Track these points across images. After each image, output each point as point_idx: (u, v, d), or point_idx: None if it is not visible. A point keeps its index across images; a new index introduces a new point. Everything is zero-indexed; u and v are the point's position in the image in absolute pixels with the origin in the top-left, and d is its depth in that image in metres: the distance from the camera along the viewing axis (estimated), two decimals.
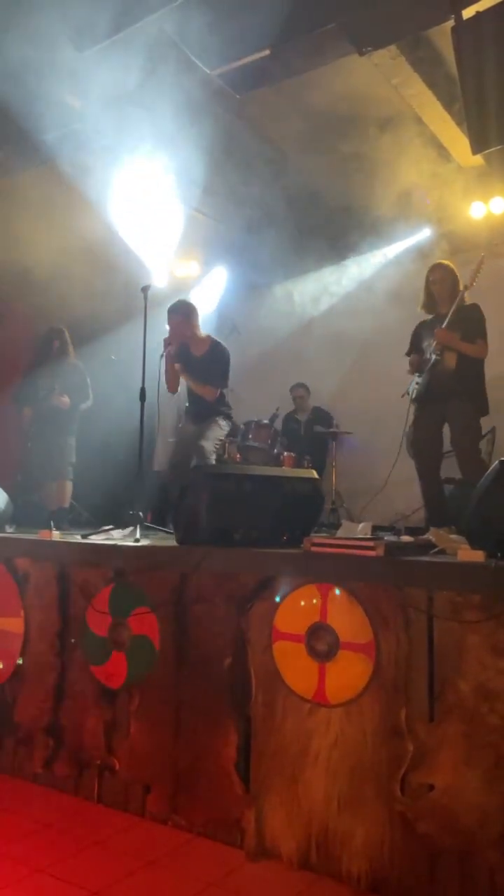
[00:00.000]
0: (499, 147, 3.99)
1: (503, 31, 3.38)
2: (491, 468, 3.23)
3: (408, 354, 4.66)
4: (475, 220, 6.35)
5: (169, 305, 5.11)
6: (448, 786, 2.61)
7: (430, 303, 4.57)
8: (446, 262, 4.66)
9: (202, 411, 5.09)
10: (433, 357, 4.31)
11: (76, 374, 5.68)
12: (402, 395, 4.75)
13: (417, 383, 4.46)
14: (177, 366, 4.97)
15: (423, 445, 4.45)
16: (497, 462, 3.16)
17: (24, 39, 4.02)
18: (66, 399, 5.51)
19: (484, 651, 2.59)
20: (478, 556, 2.76)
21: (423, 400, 4.39)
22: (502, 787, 2.51)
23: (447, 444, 4.53)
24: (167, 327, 5.05)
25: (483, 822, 2.53)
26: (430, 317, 4.61)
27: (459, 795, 2.58)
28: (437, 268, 4.55)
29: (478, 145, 3.84)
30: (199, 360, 5.04)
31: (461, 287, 4.39)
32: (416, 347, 4.61)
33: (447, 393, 4.26)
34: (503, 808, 2.49)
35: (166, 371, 4.97)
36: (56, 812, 3.32)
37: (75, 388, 5.61)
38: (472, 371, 4.30)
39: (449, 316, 4.32)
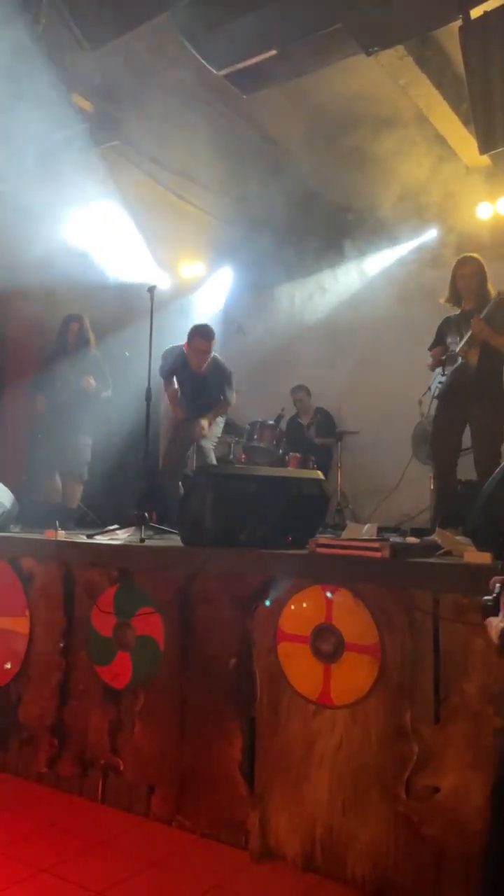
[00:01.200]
0: None
1: None
2: (498, 469, 3.22)
3: (430, 349, 4.55)
4: (482, 221, 6.33)
5: (199, 328, 5.11)
6: (453, 788, 2.60)
7: (455, 296, 4.43)
8: (475, 255, 4.50)
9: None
10: (459, 358, 4.22)
11: (96, 364, 5.48)
12: (424, 394, 4.67)
13: (440, 383, 4.37)
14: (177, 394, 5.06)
15: (441, 443, 4.39)
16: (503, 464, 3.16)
17: (32, 39, 4.03)
18: (92, 381, 5.30)
19: (489, 653, 2.58)
20: (485, 557, 2.75)
21: (446, 398, 4.31)
22: None
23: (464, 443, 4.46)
24: (192, 348, 5.06)
25: (487, 825, 2.51)
26: (456, 311, 4.47)
27: (464, 798, 2.57)
28: (467, 261, 4.40)
29: (486, 146, 3.82)
30: (202, 379, 5.11)
31: (490, 287, 4.28)
32: (440, 341, 4.50)
33: (469, 393, 4.19)
34: None
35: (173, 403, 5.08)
36: (60, 812, 3.32)
37: (97, 375, 5.39)
38: (495, 372, 4.22)
39: (488, 307, 4.17)
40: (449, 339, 4.38)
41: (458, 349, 4.24)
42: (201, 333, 5.07)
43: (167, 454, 5.29)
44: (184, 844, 3.00)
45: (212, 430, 5.13)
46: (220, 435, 5.30)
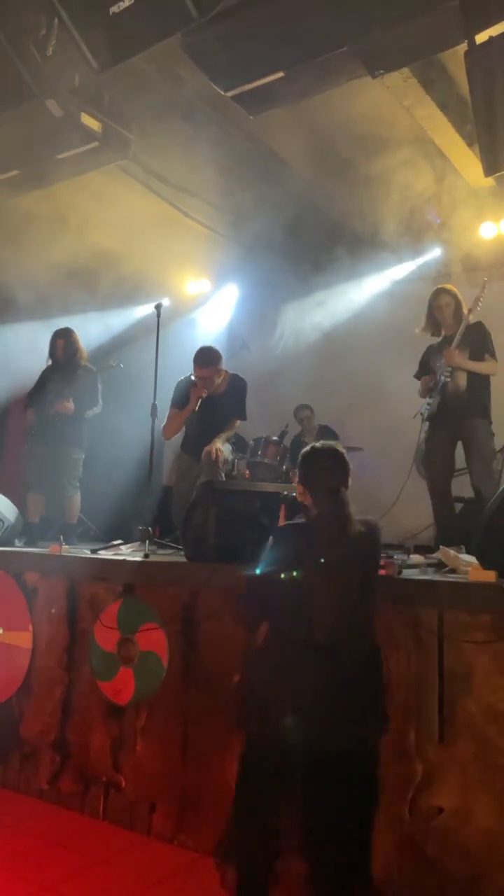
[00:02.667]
0: None
1: None
2: (502, 488, 3.23)
3: (416, 377, 4.71)
4: (486, 241, 6.38)
5: (195, 356, 4.87)
6: (457, 809, 2.58)
7: (432, 326, 4.67)
8: (449, 286, 4.74)
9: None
10: (442, 378, 4.35)
11: (86, 378, 5.42)
12: (415, 416, 4.76)
13: (429, 404, 4.50)
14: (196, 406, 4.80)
15: (435, 463, 4.47)
16: None
17: (44, 62, 4.09)
18: (69, 405, 5.23)
19: (494, 672, 2.58)
20: (489, 576, 2.75)
21: (436, 419, 4.42)
22: None
23: (458, 462, 4.53)
24: (196, 376, 4.84)
25: (492, 846, 2.50)
26: (437, 340, 4.66)
27: (468, 818, 2.55)
28: (441, 292, 4.64)
29: (490, 168, 3.86)
30: (220, 397, 4.90)
31: (465, 310, 4.44)
32: (424, 370, 4.66)
33: (460, 412, 4.30)
34: None
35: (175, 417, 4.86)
36: (61, 829, 3.30)
37: (83, 392, 5.34)
38: (483, 390, 4.34)
39: (457, 337, 4.37)
40: (437, 365, 4.50)
41: (442, 376, 4.35)
42: (196, 361, 4.84)
43: (177, 488, 5.06)
44: (185, 863, 2.98)
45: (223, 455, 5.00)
46: (229, 458, 5.15)
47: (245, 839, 2.31)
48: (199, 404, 4.75)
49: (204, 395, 4.75)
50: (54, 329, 5.68)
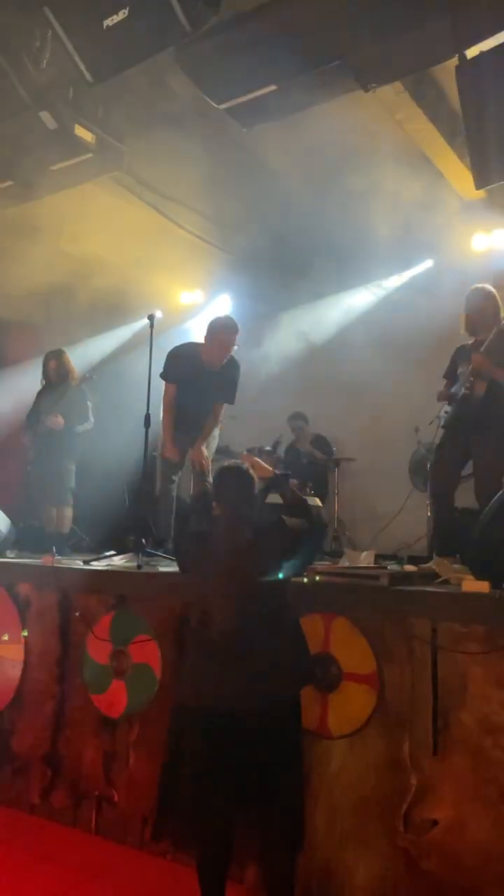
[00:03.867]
0: (501, 183, 4.04)
1: None
2: (495, 499, 3.23)
3: (445, 376, 4.50)
4: (477, 252, 6.41)
5: (224, 321, 4.71)
6: (451, 821, 2.57)
7: (470, 327, 4.40)
8: (488, 287, 4.48)
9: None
10: (462, 390, 4.22)
11: (76, 396, 5.58)
12: (431, 422, 4.63)
13: (446, 412, 4.37)
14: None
15: (441, 469, 4.37)
16: (501, 493, 3.17)
17: (39, 74, 4.11)
18: (59, 420, 5.39)
19: (487, 683, 2.58)
20: (483, 586, 2.75)
21: (451, 428, 4.31)
22: None
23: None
24: (216, 343, 4.61)
25: (487, 859, 2.49)
26: (470, 341, 4.43)
27: (463, 831, 2.54)
28: (478, 292, 4.41)
29: (480, 181, 3.89)
30: (216, 375, 4.67)
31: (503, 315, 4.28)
32: (452, 370, 4.47)
33: (473, 424, 4.17)
34: None
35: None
36: (54, 844, 3.27)
37: (74, 409, 5.53)
38: (499, 404, 4.17)
39: (487, 342, 4.20)
40: (461, 370, 4.37)
41: (463, 381, 4.24)
42: (228, 326, 4.62)
43: (163, 487, 4.89)
44: (179, 877, 2.95)
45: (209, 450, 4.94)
46: (213, 454, 5.11)
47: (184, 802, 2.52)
48: (200, 376, 4.59)
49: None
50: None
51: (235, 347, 4.71)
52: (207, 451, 4.79)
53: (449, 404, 4.36)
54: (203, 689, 2.49)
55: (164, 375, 4.74)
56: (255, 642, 2.47)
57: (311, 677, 2.68)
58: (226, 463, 2.93)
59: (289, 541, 2.69)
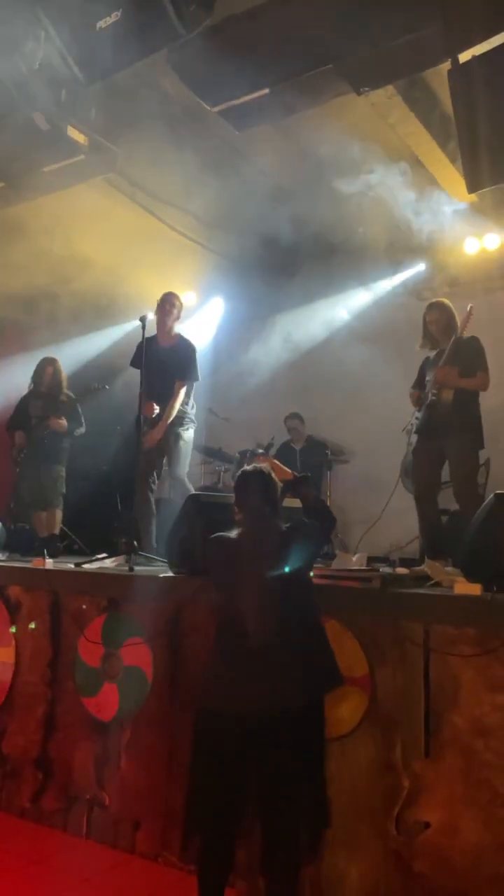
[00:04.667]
0: (493, 187, 4.06)
1: (497, 75, 3.47)
2: (486, 502, 3.24)
3: (413, 388, 4.70)
4: (469, 256, 6.45)
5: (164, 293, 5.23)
6: (443, 824, 2.57)
7: (428, 341, 4.66)
8: (443, 300, 4.75)
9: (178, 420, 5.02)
10: (430, 395, 4.36)
11: (69, 404, 5.77)
12: (403, 430, 4.77)
13: (417, 418, 4.51)
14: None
15: (420, 475, 4.48)
16: (492, 496, 3.18)
17: (30, 75, 4.10)
18: (63, 422, 5.57)
19: (479, 686, 2.58)
20: (474, 589, 2.76)
21: (424, 433, 4.43)
22: (497, 826, 2.48)
23: (444, 476, 4.55)
24: (160, 312, 5.13)
25: (478, 862, 2.49)
26: (434, 352, 4.65)
27: (455, 834, 2.54)
28: (433, 307, 4.65)
29: (473, 185, 3.90)
30: (168, 352, 5.04)
31: (458, 325, 4.43)
32: (420, 380, 4.68)
33: (446, 428, 4.30)
34: (499, 847, 2.46)
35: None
36: (44, 848, 3.26)
37: (68, 415, 5.68)
38: (469, 406, 4.36)
39: (446, 354, 4.38)
40: (428, 378, 4.52)
41: (430, 388, 4.37)
42: (166, 294, 5.20)
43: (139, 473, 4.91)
44: (171, 881, 2.95)
45: (181, 450, 5.02)
46: (189, 451, 5.20)
47: (204, 807, 2.47)
48: (155, 356, 4.85)
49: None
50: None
51: (176, 312, 5.17)
52: (180, 465, 5.00)
53: (418, 411, 4.48)
54: (237, 694, 2.42)
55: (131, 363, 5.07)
56: (289, 647, 2.44)
57: (340, 678, 2.62)
58: (247, 467, 2.85)
59: (314, 545, 2.69)
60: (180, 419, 5.05)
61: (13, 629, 3.81)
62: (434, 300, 4.79)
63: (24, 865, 3.06)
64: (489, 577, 2.78)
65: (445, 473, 4.53)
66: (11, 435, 5.70)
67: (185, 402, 5.09)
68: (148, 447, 4.84)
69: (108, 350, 7.35)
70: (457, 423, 4.29)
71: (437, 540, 4.34)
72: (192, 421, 5.18)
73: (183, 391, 5.03)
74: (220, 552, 2.70)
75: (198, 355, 5.13)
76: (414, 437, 4.55)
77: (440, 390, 4.34)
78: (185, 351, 5.09)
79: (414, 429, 4.54)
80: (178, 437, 5.04)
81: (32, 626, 3.76)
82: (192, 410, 5.19)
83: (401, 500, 5.31)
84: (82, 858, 3.16)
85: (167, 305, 5.16)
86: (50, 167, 4.96)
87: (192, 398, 5.19)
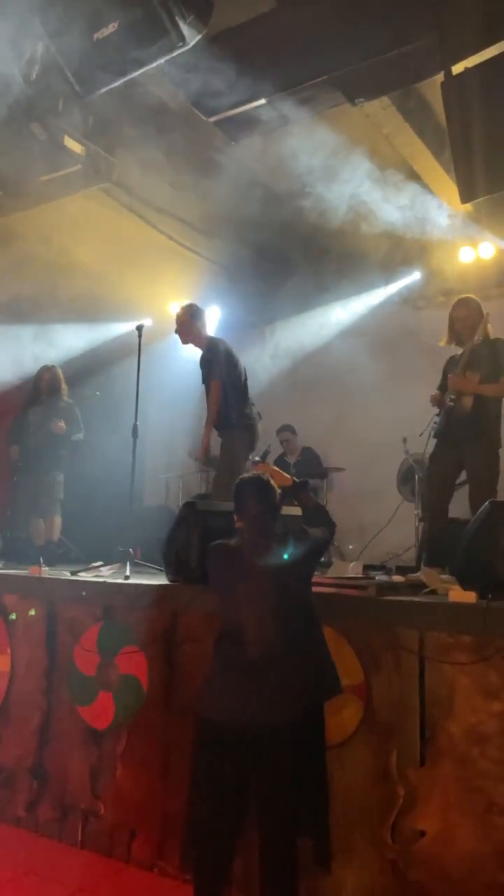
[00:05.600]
0: (487, 197, 4.08)
1: (489, 87, 3.51)
2: (481, 509, 3.25)
3: (439, 388, 4.51)
4: (464, 264, 6.48)
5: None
6: (439, 832, 2.57)
7: (454, 337, 4.45)
8: (470, 296, 4.56)
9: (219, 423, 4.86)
10: (449, 400, 4.26)
11: (68, 410, 5.81)
12: (421, 434, 4.65)
13: (436, 422, 4.40)
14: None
15: (436, 480, 4.38)
16: (487, 503, 3.19)
17: (29, 86, 4.13)
18: (62, 424, 5.60)
19: (475, 693, 2.58)
20: (469, 596, 2.76)
21: (442, 437, 4.32)
22: (493, 834, 2.48)
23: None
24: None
25: (474, 870, 2.49)
26: (460, 350, 4.43)
27: (450, 842, 2.54)
28: (461, 304, 4.46)
29: (466, 195, 3.93)
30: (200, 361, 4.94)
31: (486, 327, 4.30)
32: (443, 382, 4.48)
33: (464, 435, 4.18)
34: (494, 856, 2.46)
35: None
36: (39, 857, 3.24)
37: (67, 420, 5.73)
38: (490, 412, 4.22)
39: (463, 359, 4.25)
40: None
41: (449, 397, 4.26)
42: (179, 308, 5.06)
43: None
44: (166, 891, 2.94)
45: (220, 457, 4.91)
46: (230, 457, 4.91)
47: (203, 817, 2.46)
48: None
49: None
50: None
51: (178, 327, 4.95)
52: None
53: (438, 413, 4.38)
54: (237, 705, 2.40)
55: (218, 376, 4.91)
56: (290, 657, 2.43)
57: (339, 687, 2.59)
58: (245, 475, 2.83)
59: (315, 552, 2.69)
60: (219, 423, 4.88)
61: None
62: (462, 296, 4.57)
63: (19, 875, 3.05)
64: (484, 585, 2.79)
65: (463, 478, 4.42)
66: (10, 447, 5.75)
67: (221, 404, 4.82)
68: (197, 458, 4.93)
69: (105, 355, 7.34)
70: (477, 431, 4.16)
71: (440, 548, 4.24)
72: (231, 425, 4.86)
73: (215, 392, 4.80)
74: (220, 560, 2.69)
75: (218, 354, 4.89)
76: (432, 442, 4.42)
77: (458, 396, 4.22)
78: (203, 355, 4.97)
79: (433, 433, 4.43)
80: (220, 443, 4.93)
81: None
82: (233, 412, 4.87)
83: (398, 507, 5.33)
84: (78, 868, 3.15)
85: (178, 323, 5.00)
86: (47, 177, 4.99)
87: (230, 399, 4.87)
